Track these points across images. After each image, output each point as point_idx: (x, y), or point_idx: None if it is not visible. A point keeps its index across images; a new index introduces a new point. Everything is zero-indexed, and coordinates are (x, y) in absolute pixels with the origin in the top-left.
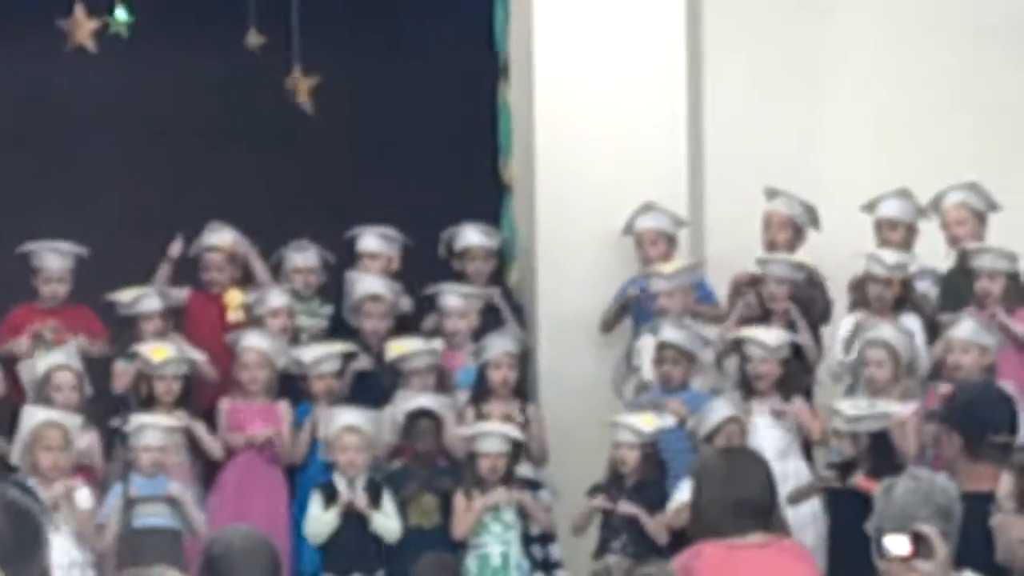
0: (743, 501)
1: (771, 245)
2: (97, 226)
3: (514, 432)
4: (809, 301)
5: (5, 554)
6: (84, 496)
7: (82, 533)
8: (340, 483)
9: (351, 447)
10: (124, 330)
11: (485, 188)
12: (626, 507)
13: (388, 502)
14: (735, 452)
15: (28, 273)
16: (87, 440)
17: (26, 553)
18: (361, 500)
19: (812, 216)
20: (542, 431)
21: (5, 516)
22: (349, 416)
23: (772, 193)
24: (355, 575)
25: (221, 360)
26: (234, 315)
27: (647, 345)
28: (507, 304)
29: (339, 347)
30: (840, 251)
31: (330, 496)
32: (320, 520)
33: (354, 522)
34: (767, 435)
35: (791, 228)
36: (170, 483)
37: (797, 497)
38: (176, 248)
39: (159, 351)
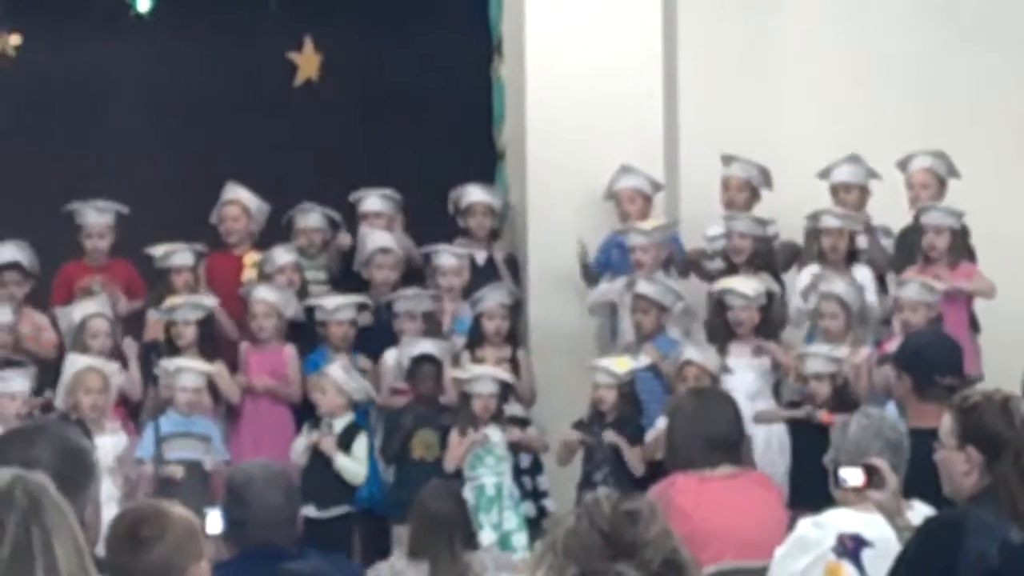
0: (713, 436)
1: (730, 205)
2: (132, 187)
3: (504, 375)
4: (770, 253)
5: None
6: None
7: (117, 470)
8: (322, 424)
9: (330, 390)
10: (158, 282)
11: (481, 154)
12: (611, 436)
13: (360, 447)
14: (706, 392)
15: (72, 232)
16: (124, 379)
17: (77, 488)
18: (328, 442)
19: (766, 177)
20: (530, 374)
21: (57, 454)
22: (331, 366)
23: (728, 159)
24: (309, 506)
25: (242, 315)
26: (249, 274)
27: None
28: (502, 259)
29: (355, 298)
30: (800, 211)
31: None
32: (295, 452)
33: (321, 460)
34: (742, 377)
35: (748, 189)
36: (201, 423)
37: (765, 418)
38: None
39: (175, 299)
